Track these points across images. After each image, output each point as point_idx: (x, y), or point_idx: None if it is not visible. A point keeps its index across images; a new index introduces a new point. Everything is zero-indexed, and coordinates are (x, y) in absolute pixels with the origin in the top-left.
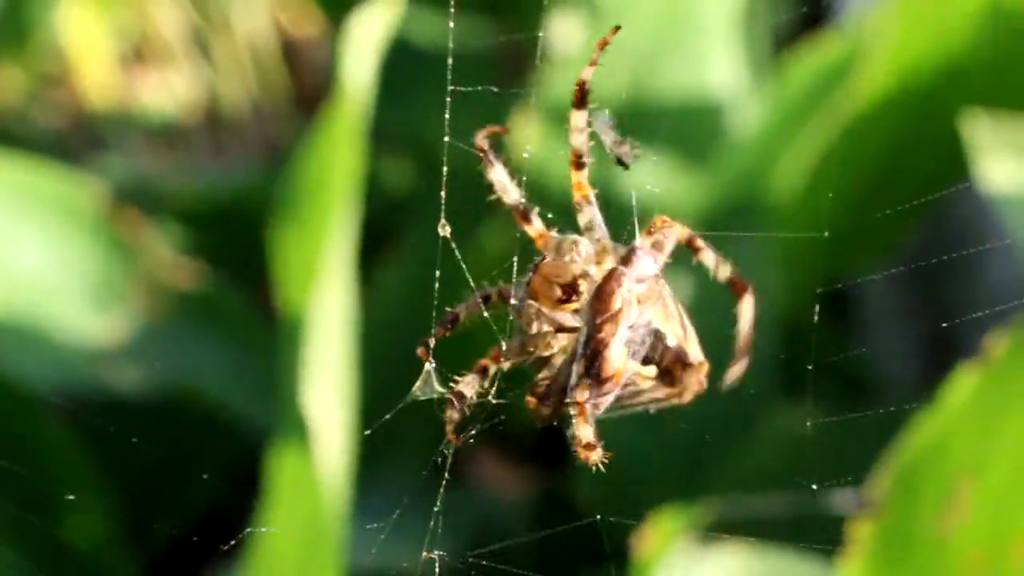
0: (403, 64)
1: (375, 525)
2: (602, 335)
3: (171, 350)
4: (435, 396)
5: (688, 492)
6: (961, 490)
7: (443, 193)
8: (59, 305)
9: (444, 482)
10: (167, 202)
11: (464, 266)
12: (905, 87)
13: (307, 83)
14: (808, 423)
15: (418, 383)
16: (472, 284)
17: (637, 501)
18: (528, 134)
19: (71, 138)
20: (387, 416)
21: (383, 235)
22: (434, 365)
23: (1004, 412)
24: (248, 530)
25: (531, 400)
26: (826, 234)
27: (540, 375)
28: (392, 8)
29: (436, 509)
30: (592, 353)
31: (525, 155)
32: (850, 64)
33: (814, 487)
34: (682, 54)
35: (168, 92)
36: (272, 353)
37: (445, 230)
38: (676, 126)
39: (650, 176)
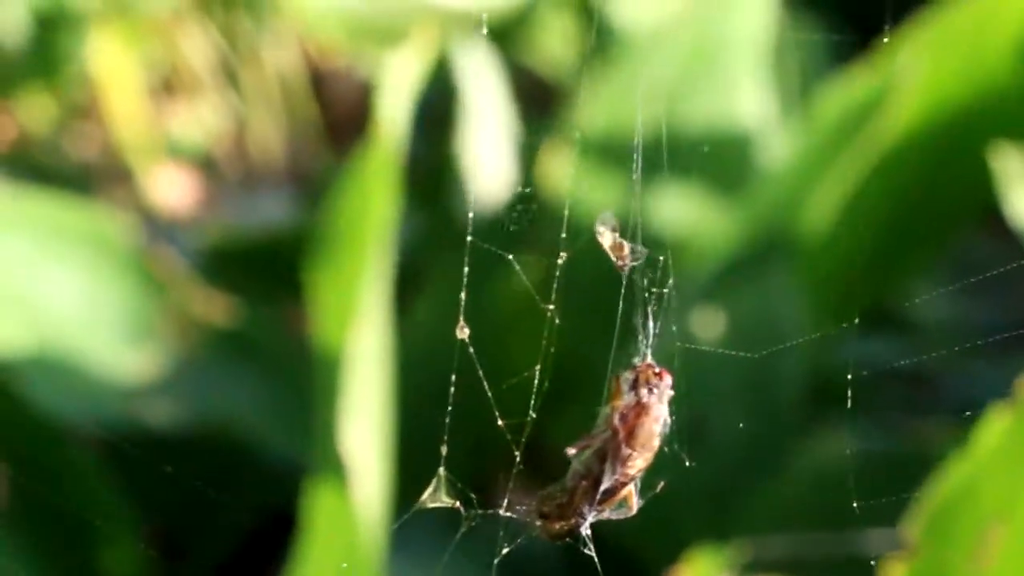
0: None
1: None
2: (632, 471)
3: (204, 385)
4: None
5: (719, 527)
6: (993, 533)
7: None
8: (91, 340)
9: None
10: (199, 236)
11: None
12: (936, 121)
13: (336, 114)
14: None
15: (427, 491)
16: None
17: (667, 536)
18: (562, 170)
19: (100, 169)
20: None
21: (416, 269)
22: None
23: None
24: (283, 569)
25: (541, 519)
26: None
27: (549, 493)
28: (429, 49)
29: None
30: (616, 486)
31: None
32: (881, 98)
33: (847, 527)
34: (711, 87)
35: (197, 123)
36: (306, 389)
37: (464, 332)
38: (705, 159)
39: (681, 208)
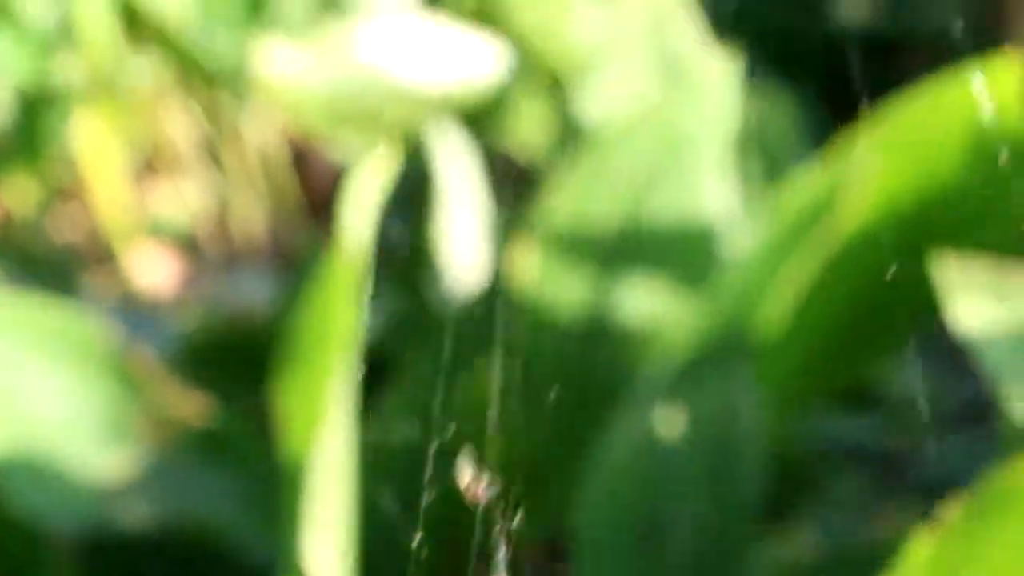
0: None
1: None
2: None
3: (179, 486)
4: None
5: None
6: None
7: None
8: (67, 441)
9: None
10: (180, 319)
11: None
12: (887, 221)
13: (316, 190)
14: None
15: None
16: None
17: None
18: (529, 265)
19: (84, 251)
20: None
21: (391, 354)
22: None
23: None
24: None
25: None
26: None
27: None
28: (390, 165)
29: None
30: None
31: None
32: (833, 195)
33: None
34: (676, 181)
35: (180, 202)
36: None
37: None
38: (670, 252)
39: (645, 302)
